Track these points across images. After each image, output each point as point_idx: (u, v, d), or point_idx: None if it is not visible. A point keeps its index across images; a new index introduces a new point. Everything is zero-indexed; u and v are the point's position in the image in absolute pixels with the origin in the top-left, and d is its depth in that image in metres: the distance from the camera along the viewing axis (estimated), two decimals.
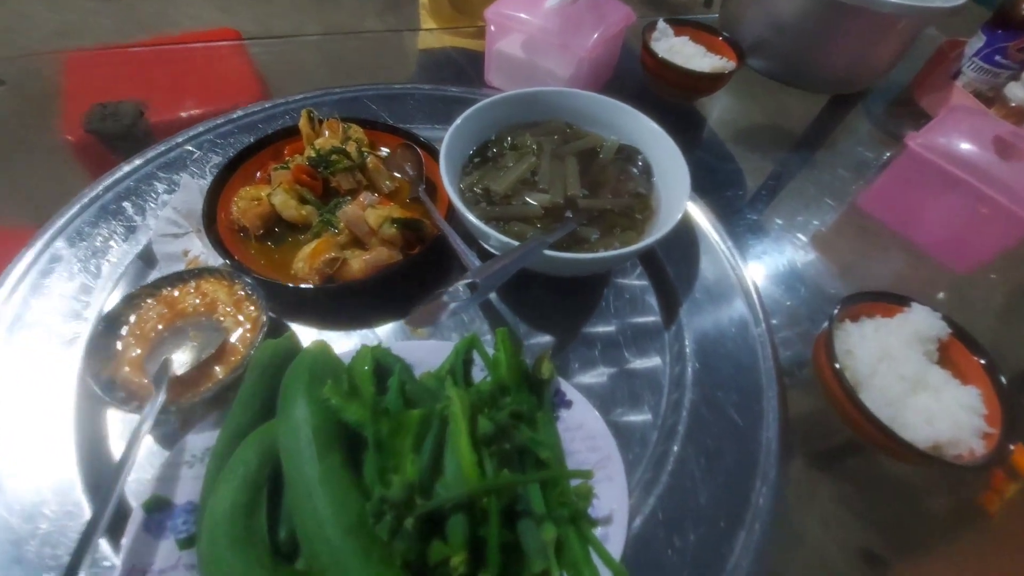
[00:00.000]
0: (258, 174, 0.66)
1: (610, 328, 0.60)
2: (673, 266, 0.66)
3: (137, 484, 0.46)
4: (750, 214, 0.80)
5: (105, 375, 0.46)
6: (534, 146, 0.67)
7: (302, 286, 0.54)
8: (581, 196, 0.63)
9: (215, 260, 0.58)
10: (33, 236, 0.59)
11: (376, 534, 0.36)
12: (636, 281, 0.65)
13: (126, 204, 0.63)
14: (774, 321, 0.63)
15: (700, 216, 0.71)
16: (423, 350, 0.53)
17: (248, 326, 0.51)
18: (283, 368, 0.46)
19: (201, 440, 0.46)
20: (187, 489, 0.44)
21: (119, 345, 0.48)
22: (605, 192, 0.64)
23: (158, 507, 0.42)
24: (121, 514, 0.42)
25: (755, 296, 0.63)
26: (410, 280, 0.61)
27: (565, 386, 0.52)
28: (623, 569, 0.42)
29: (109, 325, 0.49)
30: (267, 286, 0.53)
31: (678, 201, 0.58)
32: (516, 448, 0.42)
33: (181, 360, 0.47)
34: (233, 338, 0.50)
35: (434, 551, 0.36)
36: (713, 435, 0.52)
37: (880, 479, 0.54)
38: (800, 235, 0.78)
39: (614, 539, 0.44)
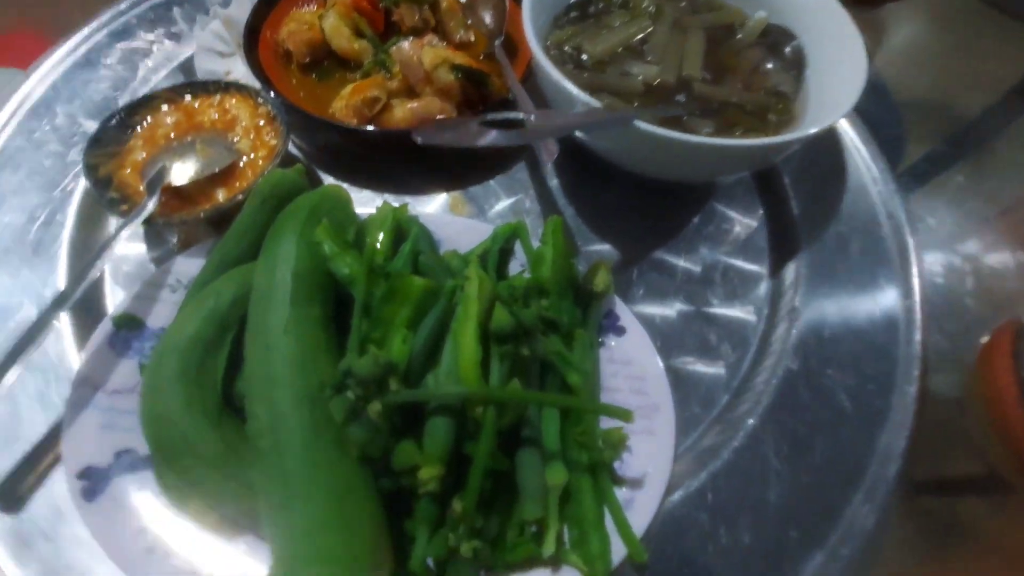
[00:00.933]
0: None
1: (696, 258, 0.46)
2: (801, 200, 0.49)
3: (116, 300, 0.41)
4: (924, 165, 0.59)
5: (104, 172, 0.41)
6: (652, 8, 0.51)
7: (334, 122, 0.45)
8: (700, 79, 0.47)
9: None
10: (77, 26, 0.55)
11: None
12: (743, 210, 0.49)
13: (176, 9, 0.57)
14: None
15: (856, 144, 0.52)
16: (456, 227, 0.43)
17: (263, 153, 0.43)
18: (287, 202, 0.38)
19: (190, 265, 0.39)
20: (163, 313, 0.38)
21: (127, 145, 0.43)
22: (734, 81, 0.48)
23: (128, 324, 0.37)
24: (99, 319, 0.37)
25: (912, 263, 0.46)
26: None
27: (621, 308, 0.40)
28: (641, 547, 0.32)
29: (121, 122, 0.43)
30: (295, 115, 0.44)
31: (835, 107, 0.41)
32: (537, 360, 0.32)
33: (182, 171, 0.40)
34: (243, 162, 0.42)
35: (400, 453, 0.28)
36: (807, 420, 0.38)
37: None
38: (989, 205, 0.57)
39: (640, 508, 0.33)
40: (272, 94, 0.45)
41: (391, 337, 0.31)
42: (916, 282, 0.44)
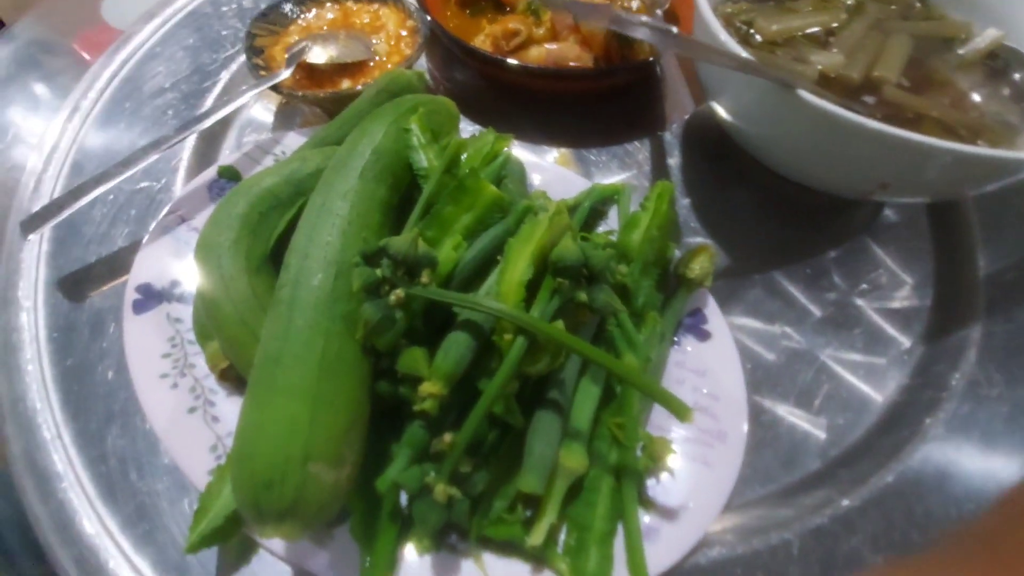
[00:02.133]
0: None
1: (823, 294, 0.37)
2: (990, 259, 0.37)
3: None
4: None
5: (260, 43, 0.44)
6: (851, 1, 0.43)
7: (467, 43, 0.44)
8: (895, 84, 0.38)
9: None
10: None
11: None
12: (905, 256, 0.39)
13: None
14: None
15: None
16: (554, 175, 0.39)
17: (396, 59, 0.43)
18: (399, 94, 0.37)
19: (297, 140, 0.41)
20: None
21: (287, 28, 0.46)
22: (939, 97, 0.38)
23: (229, 175, 0.39)
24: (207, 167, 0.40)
25: None
26: (591, 104, 0.47)
27: (712, 309, 0.33)
28: (642, 563, 0.24)
29: (290, 8, 0.46)
30: (437, 30, 0.44)
31: None
32: (594, 320, 0.26)
33: (320, 53, 0.42)
34: (376, 62, 0.43)
35: (407, 356, 0.24)
36: (925, 525, 0.27)
37: None
38: None
39: (665, 544, 0.26)
40: (424, 15, 0.45)
41: (444, 240, 0.28)
42: None
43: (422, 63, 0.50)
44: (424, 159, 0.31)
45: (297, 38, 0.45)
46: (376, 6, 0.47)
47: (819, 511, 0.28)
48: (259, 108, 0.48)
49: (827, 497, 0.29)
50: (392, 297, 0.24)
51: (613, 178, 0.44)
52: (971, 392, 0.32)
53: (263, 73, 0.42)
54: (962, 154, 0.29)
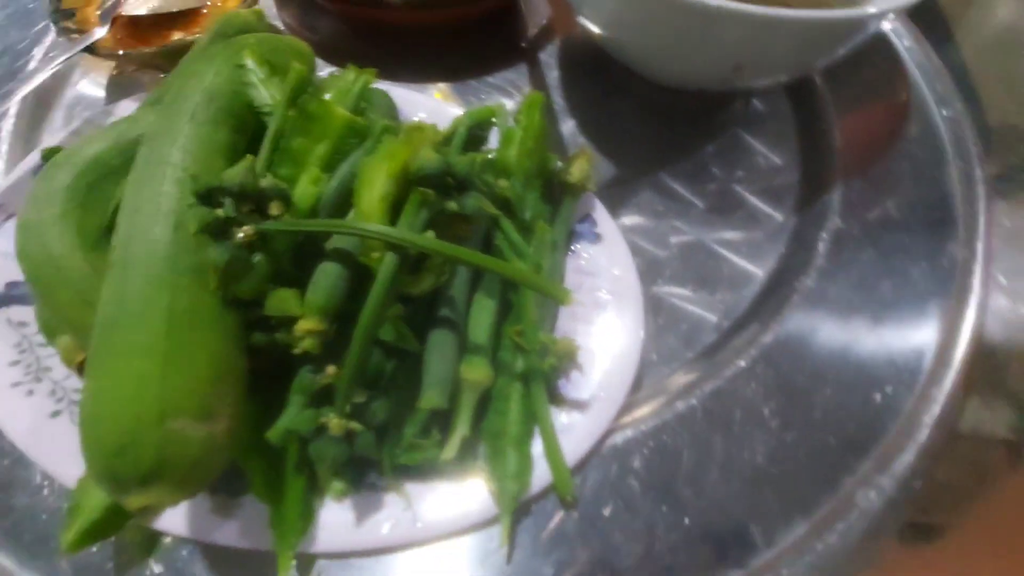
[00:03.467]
0: None
1: (706, 187, 0.39)
2: (846, 134, 0.40)
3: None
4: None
5: (69, 6, 0.38)
6: None
7: None
8: None
9: None
10: None
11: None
12: (773, 141, 0.41)
13: None
14: None
15: (918, 66, 0.43)
16: (428, 107, 0.38)
17: (233, 4, 0.39)
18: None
19: (132, 107, 0.36)
20: None
21: None
22: None
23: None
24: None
25: (981, 219, 0.36)
26: (461, 34, 0.45)
27: (601, 213, 0.34)
28: (569, 479, 0.25)
29: None
30: None
31: None
32: (472, 223, 0.26)
33: (139, 3, 0.37)
34: (210, 10, 0.39)
35: (274, 299, 0.22)
36: (811, 372, 0.30)
37: None
38: None
39: (579, 436, 0.27)
40: None
41: (300, 176, 0.26)
42: (982, 230, 0.35)
43: (271, 9, 0.46)
44: (267, 95, 0.28)
45: None
46: None
47: (717, 375, 0.30)
48: (87, 83, 0.42)
49: (723, 361, 0.31)
50: (240, 235, 0.22)
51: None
52: (836, 246, 0.35)
53: (75, 37, 0.36)
54: (808, 21, 0.31)
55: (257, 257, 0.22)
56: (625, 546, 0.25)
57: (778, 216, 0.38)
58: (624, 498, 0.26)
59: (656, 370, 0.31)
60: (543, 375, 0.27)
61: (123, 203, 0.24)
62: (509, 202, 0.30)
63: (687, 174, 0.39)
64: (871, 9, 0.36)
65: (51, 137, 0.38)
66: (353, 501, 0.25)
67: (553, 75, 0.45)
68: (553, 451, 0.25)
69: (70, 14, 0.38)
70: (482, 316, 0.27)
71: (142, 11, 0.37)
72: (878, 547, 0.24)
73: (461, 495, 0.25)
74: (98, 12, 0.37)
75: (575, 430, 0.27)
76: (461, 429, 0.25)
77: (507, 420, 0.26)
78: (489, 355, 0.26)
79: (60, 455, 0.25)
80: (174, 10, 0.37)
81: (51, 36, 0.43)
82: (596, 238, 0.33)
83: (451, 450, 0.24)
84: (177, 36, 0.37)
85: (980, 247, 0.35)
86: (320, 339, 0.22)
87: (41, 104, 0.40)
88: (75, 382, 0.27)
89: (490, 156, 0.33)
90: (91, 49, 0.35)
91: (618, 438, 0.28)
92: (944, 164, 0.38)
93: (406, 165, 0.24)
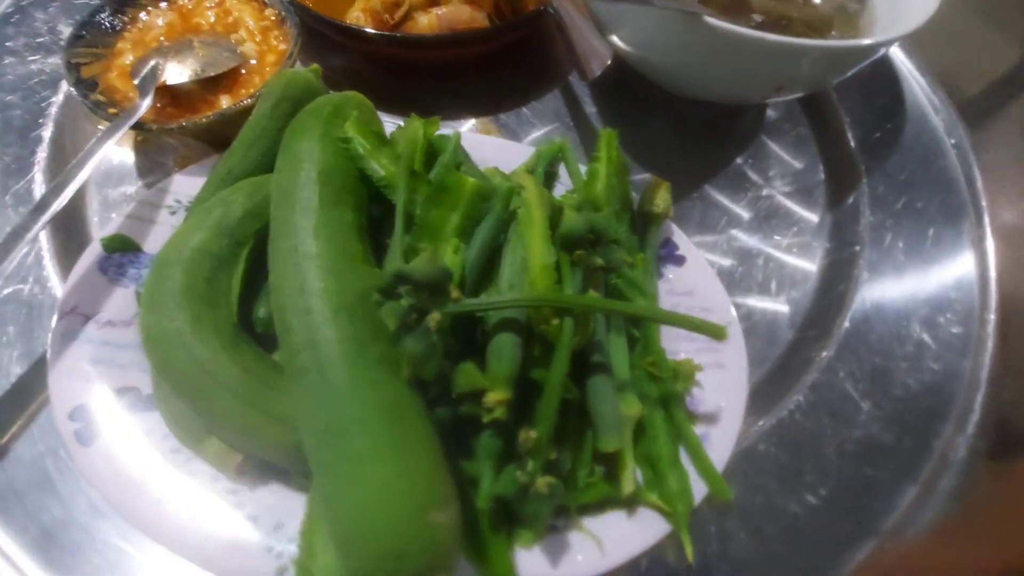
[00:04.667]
0: None
1: (747, 193, 0.43)
2: (857, 132, 0.45)
3: (104, 225, 0.36)
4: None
5: (89, 73, 0.35)
6: None
7: (351, 26, 0.39)
8: None
9: None
10: None
11: (381, 326, 0.23)
12: (795, 144, 0.46)
13: None
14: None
15: (912, 72, 0.49)
16: (494, 148, 0.38)
17: (272, 59, 0.37)
18: (302, 106, 0.33)
19: (190, 184, 0.34)
20: (161, 237, 0.33)
21: (114, 47, 0.37)
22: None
23: (121, 248, 0.32)
24: (82, 247, 0.32)
25: (980, 191, 0.42)
26: (492, 65, 0.46)
27: (679, 236, 0.36)
28: (724, 484, 0.28)
29: (106, 20, 0.37)
30: (306, 16, 0.39)
31: (909, 19, 0.37)
32: (608, 272, 0.27)
33: (178, 72, 0.35)
34: (248, 68, 0.37)
35: (462, 376, 0.23)
36: (884, 352, 0.35)
37: None
38: None
39: (717, 444, 0.30)
40: (285, 3, 0.39)
41: (440, 247, 0.27)
42: (985, 207, 0.41)
43: None
44: (379, 167, 0.28)
45: (133, 57, 0.36)
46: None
47: (807, 368, 0.34)
48: (111, 152, 0.39)
49: (809, 356, 0.35)
50: (431, 323, 0.22)
51: (537, 133, 0.45)
52: (874, 237, 0.40)
53: (113, 111, 0.33)
54: (825, 48, 0.34)
55: (436, 338, 0.23)
56: (771, 529, 0.28)
57: (814, 216, 0.42)
58: (762, 490, 0.30)
59: (752, 373, 0.35)
60: (678, 397, 0.30)
61: (281, 301, 0.24)
62: (616, 239, 0.32)
63: (728, 184, 0.43)
64: (876, 33, 0.41)
65: (97, 223, 0.36)
66: (543, 547, 0.26)
67: (584, 95, 0.47)
68: (705, 464, 0.28)
69: (93, 85, 0.35)
70: (619, 354, 0.29)
71: (183, 78, 0.35)
72: (973, 488, 0.29)
73: (632, 520, 0.27)
74: (134, 81, 0.34)
75: (712, 440, 0.30)
76: (630, 463, 0.27)
77: (658, 444, 0.28)
78: (632, 388, 0.29)
79: (242, 561, 0.25)
80: (214, 73, 0.35)
81: (58, 105, 0.39)
82: (680, 260, 0.36)
83: (629, 484, 0.26)
84: (225, 101, 0.35)
85: (987, 220, 0.41)
86: (507, 407, 0.24)
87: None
88: (226, 484, 0.26)
89: (574, 196, 0.35)
90: (138, 125, 0.33)
91: (744, 443, 0.31)
92: (944, 155, 0.44)
93: (551, 232, 0.26)
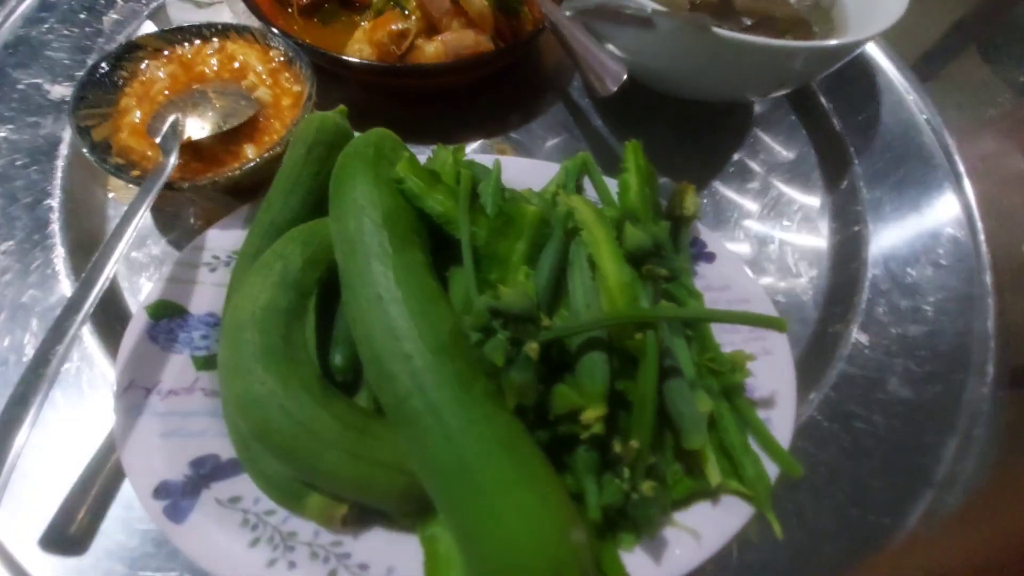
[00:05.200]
0: None
1: (751, 185, 0.45)
2: (841, 117, 0.49)
3: (145, 287, 0.35)
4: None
5: (100, 136, 0.34)
6: None
7: (359, 61, 0.39)
8: None
9: None
10: None
11: (476, 360, 0.24)
12: (787, 134, 0.49)
13: None
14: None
15: (881, 57, 0.53)
16: (519, 168, 0.39)
17: (288, 102, 0.37)
18: (336, 149, 0.33)
19: (227, 239, 0.33)
20: (207, 297, 0.32)
21: (118, 105, 0.35)
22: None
23: (168, 313, 0.31)
24: (119, 315, 0.31)
25: (957, 158, 0.47)
26: (496, 85, 0.47)
27: (706, 234, 0.38)
28: (794, 461, 0.30)
29: (107, 75, 0.35)
30: (314, 55, 0.38)
31: (885, 13, 0.41)
32: (668, 280, 0.29)
33: (199, 126, 0.34)
34: (266, 114, 0.36)
35: (559, 397, 0.24)
36: (904, 318, 0.38)
37: None
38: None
39: (779, 425, 0.32)
40: (292, 44, 0.38)
41: (510, 276, 0.27)
42: (963, 171, 0.45)
43: None
44: (437, 204, 0.28)
45: (141, 113, 0.35)
46: (216, 43, 0.39)
47: (839, 343, 0.37)
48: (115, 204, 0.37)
49: (837, 331, 0.37)
50: (530, 353, 0.23)
51: (550, 144, 0.46)
52: (873, 209, 0.43)
53: (136, 173, 0.32)
54: (823, 48, 0.37)
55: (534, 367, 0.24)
56: (839, 495, 0.31)
57: (815, 198, 0.45)
58: (824, 461, 0.32)
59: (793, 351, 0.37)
60: (739, 388, 0.32)
61: (375, 351, 0.24)
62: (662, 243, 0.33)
63: (733, 179, 0.46)
64: (850, 24, 0.44)
65: (131, 288, 0.34)
66: (643, 547, 0.28)
67: (586, 105, 0.48)
68: (774, 446, 0.30)
69: (107, 147, 0.33)
70: (683, 355, 0.31)
71: (205, 132, 0.34)
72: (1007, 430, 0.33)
73: (718, 509, 0.29)
74: (155, 139, 0.33)
75: (774, 423, 0.32)
76: (711, 456, 0.28)
77: (730, 434, 0.30)
78: (699, 385, 0.30)
79: None
80: (233, 125, 0.34)
81: (61, 168, 0.37)
82: (710, 257, 0.38)
83: (716, 475, 0.28)
84: (251, 152, 0.35)
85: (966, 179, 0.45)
86: (604, 421, 0.25)
87: (84, 241, 0.35)
88: (328, 537, 0.26)
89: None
90: (167, 185, 0.32)
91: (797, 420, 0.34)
92: (919, 132, 0.48)
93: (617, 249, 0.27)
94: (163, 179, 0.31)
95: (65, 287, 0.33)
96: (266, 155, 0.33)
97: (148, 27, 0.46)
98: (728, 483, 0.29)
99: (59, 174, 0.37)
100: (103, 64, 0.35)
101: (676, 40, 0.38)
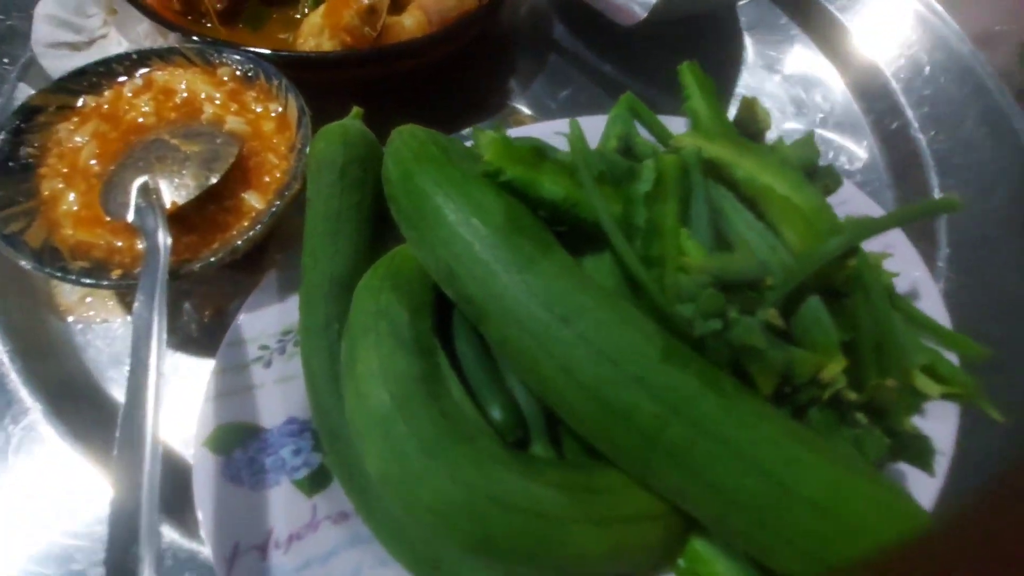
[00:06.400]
0: None
1: (769, 86, 0.43)
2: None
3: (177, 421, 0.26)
4: None
5: (37, 241, 0.23)
6: None
7: (341, 54, 0.31)
8: None
9: None
10: None
11: (707, 355, 0.19)
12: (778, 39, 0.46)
13: None
14: None
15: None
16: (551, 131, 0.33)
17: (270, 126, 0.28)
18: (370, 164, 0.25)
19: (268, 319, 0.25)
20: (277, 400, 0.24)
21: (40, 191, 0.25)
22: None
23: (238, 441, 0.23)
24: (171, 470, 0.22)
25: None
26: (480, 52, 0.40)
27: None
28: (975, 344, 0.29)
29: (7, 159, 0.25)
30: (273, 62, 0.29)
31: None
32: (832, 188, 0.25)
33: (178, 186, 0.25)
34: (250, 147, 0.27)
35: (802, 364, 0.20)
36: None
37: None
38: None
39: (937, 315, 0.30)
40: (246, 56, 0.29)
41: (670, 245, 0.22)
42: None
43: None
44: (554, 186, 0.22)
45: (76, 195, 0.25)
46: (140, 77, 0.29)
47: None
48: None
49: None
50: (773, 322, 0.19)
51: (564, 104, 0.41)
52: (940, 160, 0.40)
53: (117, 273, 0.23)
54: None
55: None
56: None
57: (862, 151, 0.42)
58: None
59: None
60: (893, 289, 0.29)
61: (575, 394, 0.18)
62: None
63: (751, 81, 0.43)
64: None
65: (167, 420, 0.25)
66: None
67: (579, 48, 0.43)
68: (952, 337, 0.28)
69: (54, 251, 0.23)
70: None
71: (190, 192, 0.24)
72: None
73: (931, 418, 0.27)
74: (126, 216, 0.23)
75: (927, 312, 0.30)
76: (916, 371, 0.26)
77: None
78: None
79: None
80: (222, 172, 0.25)
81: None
82: None
83: (930, 385, 0.25)
84: (255, 200, 0.26)
85: None
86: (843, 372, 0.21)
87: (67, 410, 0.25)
88: None
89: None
90: (173, 275, 0.22)
91: None
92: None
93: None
94: (163, 264, 0.22)
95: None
96: (285, 195, 0.25)
97: (24, 92, 0.34)
98: (941, 388, 0.27)
99: None
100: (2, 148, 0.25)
101: None
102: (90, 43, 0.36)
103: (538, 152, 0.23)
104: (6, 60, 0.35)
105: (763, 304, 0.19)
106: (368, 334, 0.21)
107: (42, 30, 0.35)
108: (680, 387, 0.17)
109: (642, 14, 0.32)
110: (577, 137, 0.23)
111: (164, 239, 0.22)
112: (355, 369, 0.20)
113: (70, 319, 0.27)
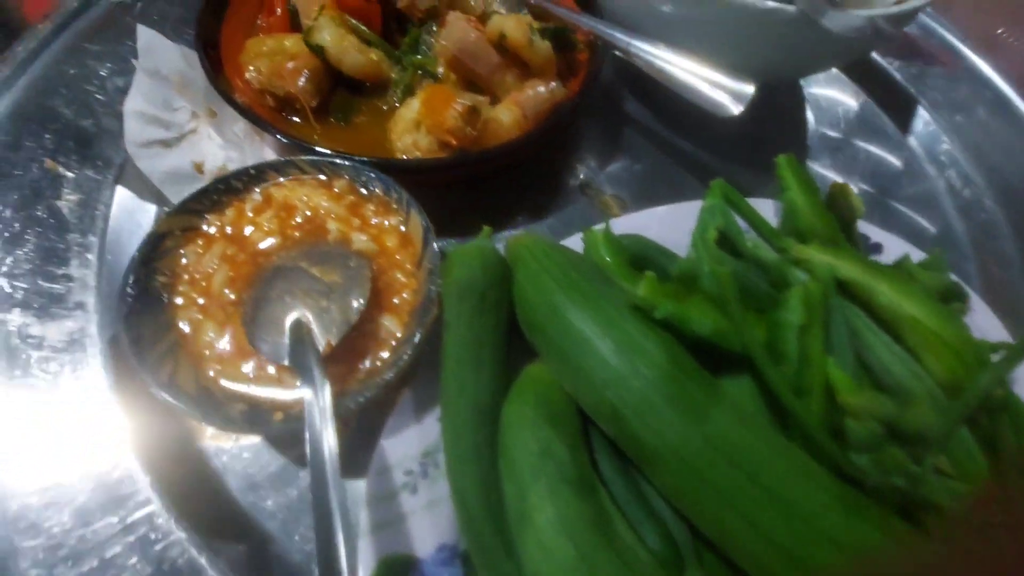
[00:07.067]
0: (259, 21, 0.40)
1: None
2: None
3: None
4: None
5: (186, 384, 0.24)
6: None
7: (448, 159, 0.32)
8: None
9: (256, 157, 0.34)
10: None
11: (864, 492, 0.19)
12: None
13: (58, 104, 0.35)
14: None
15: None
16: (647, 222, 0.34)
17: (393, 242, 0.28)
18: (505, 286, 0.26)
19: (409, 442, 0.26)
20: (427, 527, 0.24)
21: (175, 325, 0.25)
22: None
23: (401, 574, 0.23)
24: None
25: None
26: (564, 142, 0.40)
27: (866, 226, 0.36)
28: None
29: (141, 293, 0.25)
30: (386, 170, 0.30)
31: None
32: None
33: (326, 321, 0.25)
34: (381, 267, 0.28)
35: (960, 498, 0.21)
36: None
37: None
38: None
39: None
40: (363, 166, 0.30)
41: (821, 374, 0.23)
42: None
43: None
44: (705, 316, 0.23)
45: (213, 328, 0.25)
46: (258, 194, 0.29)
47: None
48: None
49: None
50: (945, 469, 0.19)
51: (643, 184, 0.41)
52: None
53: (279, 416, 0.23)
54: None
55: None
56: None
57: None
58: None
59: None
60: None
61: (767, 554, 0.19)
62: None
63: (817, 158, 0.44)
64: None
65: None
66: None
67: (647, 119, 0.44)
68: None
69: (206, 392, 0.23)
70: None
71: (340, 328, 0.24)
72: None
73: None
74: (285, 363, 0.23)
75: None
76: None
77: None
78: None
79: None
80: (365, 299, 0.25)
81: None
82: (878, 248, 0.36)
83: None
84: (392, 324, 0.26)
85: None
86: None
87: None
88: None
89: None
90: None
91: None
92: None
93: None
94: (328, 408, 0.22)
95: None
96: (424, 321, 0.25)
97: (122, 194, 0.34)
98: None
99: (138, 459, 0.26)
100: (131, 281, 0.25)
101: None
102: (180, 138, 0.36)
103: (687, 282, 0.24)
104: (99, 162, 0.35)
105: (929, 448, 0.20)
106: (539, 479, 0.21)
107: (133, 128, 0.35)
108: (865, 541, 0.18)
109: (736, 110, 0.33)
110: (727, 278, 0.23)
111: (320, 383, 0.23)
112: (533, 519, 0.21)
113: (208, 439, 0.27)
